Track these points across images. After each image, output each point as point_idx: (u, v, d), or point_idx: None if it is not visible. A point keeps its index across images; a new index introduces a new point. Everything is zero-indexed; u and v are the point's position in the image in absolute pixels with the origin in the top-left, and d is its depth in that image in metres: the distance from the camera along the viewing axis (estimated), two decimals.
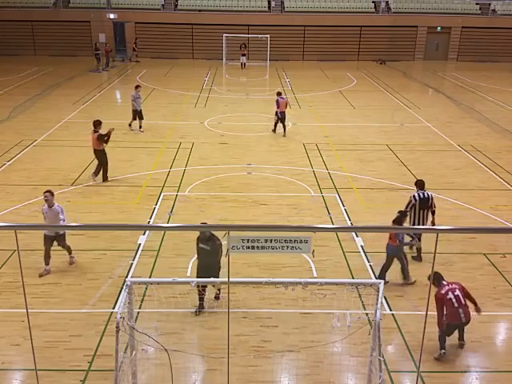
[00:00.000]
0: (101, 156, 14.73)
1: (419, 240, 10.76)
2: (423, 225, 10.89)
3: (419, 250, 10.97)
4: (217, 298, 9.35)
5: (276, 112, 19.45)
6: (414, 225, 10.92)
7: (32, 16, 38.74)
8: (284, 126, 19.60)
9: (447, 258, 10.94)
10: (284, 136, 19.57)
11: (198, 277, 8.96)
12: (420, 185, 11.11)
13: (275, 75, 33.82)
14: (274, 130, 19.93)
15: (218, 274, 8.65)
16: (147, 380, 7.54)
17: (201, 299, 8.97)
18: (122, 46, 39.38)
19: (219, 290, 9.38)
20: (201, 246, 9.12)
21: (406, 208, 10.85)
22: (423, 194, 10.90)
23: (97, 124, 14.70)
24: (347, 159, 17.13)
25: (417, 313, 9.15)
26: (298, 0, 40.38)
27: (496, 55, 40.51)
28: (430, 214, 10.98)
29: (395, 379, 7.76)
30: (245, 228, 7.24)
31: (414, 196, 10.91)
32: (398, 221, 9.87)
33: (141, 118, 19.66)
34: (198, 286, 8.45)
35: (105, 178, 14.81)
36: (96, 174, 14.81)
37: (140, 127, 19.81)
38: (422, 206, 10.85)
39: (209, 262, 8.87)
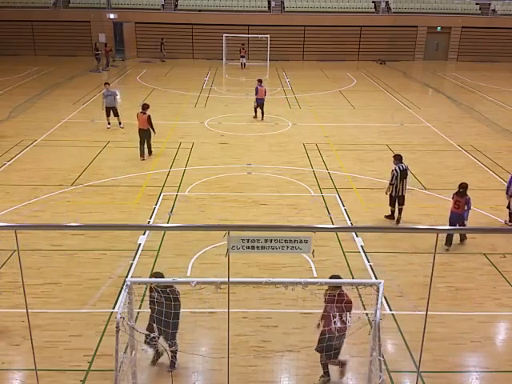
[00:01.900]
0: (148, 134, 16.94)
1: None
2: (403, 192, 12.43)
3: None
4: (172, 365, 7.68)
5: (256, 99, 21.52)
6: (397, 193, 12.37)
7: (32, 16, 38.75)
8: (262, 112, 21.79)
9: (447, 258, 10.95)
10: (262, 120, 21.67)
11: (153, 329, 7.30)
12: (399, 158, 12.52)
13: (275, 75, 33.82)
14: (255, 116, 21.97)
15: (174, 336, 7.41)
16: (147, 380, 7.54)
17: (155, 350, 7.71)
18: (121, 46, 39.40)
19: (175, 353, 7.70)
20: (154, 295, 7.26)
21: (391, 180, 12.32)
22: (402, 167, 12.37)
23: (145, 107, 16.94)
24: (347, 159, 17.13)
25: (417, 313, 9.15)
26: (298, 0, 40.39)
27: (496, 55, 40.52)
28: (406, 183, 12.53)
29: (395, 379, 7.76)
30: (245, 228, 7.23)
31: (395, 169, 12.34)
32: (465, 192, 11.20)
33: (116, 114, 20.05)
34: (147, 336, 7.14)
35: (149, 152, 17.16)
36: (150, 152, 17.12)
37: (119, 123, 20.25)
38: (402, 176, 12.35)
39: (166, 315, 7.03)
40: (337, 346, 7.16)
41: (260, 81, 21.70)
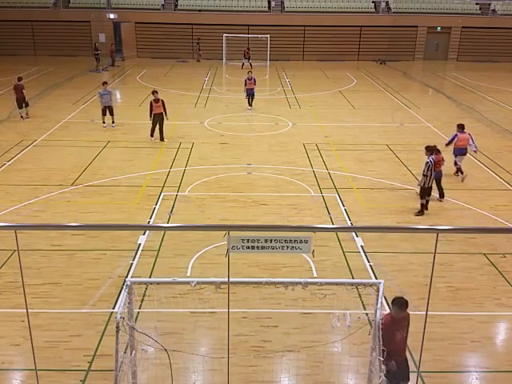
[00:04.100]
0: (156, 119, 18.57)
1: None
2: (431, 183, 13.03)
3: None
4: None
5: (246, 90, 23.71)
6: (429, 183, 12.90)
7: (32, 16, 38.75)
8: (251, 101, 23.83)
9: (447, 258, 10.95)
10: (250, 109, 23.59)
11: None
12: (432, 149, 13.10)
13: (275, 75, 33.82)
14: (251, 105, 23.81)
15: None
16: (147, 380, 7.53)
17: None
18: (120, 46, 39.45)
19: None
20: None
21: (426, 172, 12.75)
22: (434, 158, 12.93)
23: (152, 92, 18.86)
24: (347, 159, 17.12)
25: (417, 313, 9.12)
26: (298, 0, 40.38)
27: (496, 55, 40.53)
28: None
29: None
30: (245, 228, 7.23)
31: (430, 161, 12.79)
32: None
33: (111, 113, 20.29)
34: None
35: (152, 134, 18.81)
36: (161, 135, 18.74)
37: (113, 122, 20.47)
38: (434, 168, 12.94)
39: None
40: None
41: (250, 72, 24.50)
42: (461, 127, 15.40)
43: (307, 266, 10.57)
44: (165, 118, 18.74)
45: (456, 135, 15.26)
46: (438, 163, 13.33)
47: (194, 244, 11.20)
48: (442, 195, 13.83)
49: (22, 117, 21.38)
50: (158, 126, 18.65)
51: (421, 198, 13.13)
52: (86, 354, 8.11)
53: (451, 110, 24.44)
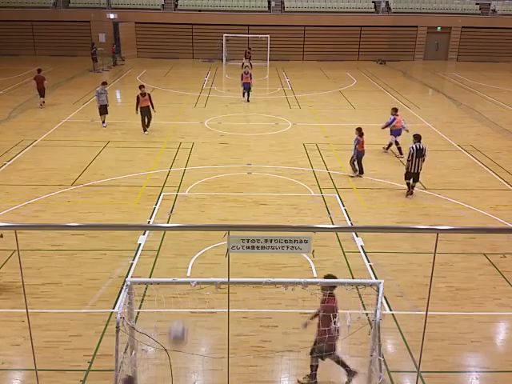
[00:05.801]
0: (143, 112, 19.32)
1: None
2: (419, 168, 13.84)
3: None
4: None
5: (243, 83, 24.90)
6: (413, 169, 13.77)
7: (32, 16, 38.76)
8: (247, 95, 25.07)
9: (447, 258, 10.95)
10: (248, 101, 24.96)
11: None
12: (418, 137, 13.92)
13: (275, 75, 33.82)
14: (248, 100, 25.07)
15: None
16: (147, 380, 7.54)
17: None
18: (118, 46, 39.45)
19: None
20: None
21: (408, 157, 13.75)
22: (419, 146, 13.71)
23: (139, 87, 19.44)
24: (347, 159, 17.08)
25: (417, 313, 9.15)
26: (298, 0, 40.38)
27: (496, 55, 40.53)
28: (422, 161, 13.84)
29: (395, 379, 7.76)
30: (245, 228, 7.22)
31: (412, 147, 13.75)
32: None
33: (105, 112, 20.43)
34: None
35: (144, 129, 19.63)
36: (146, 126, 19.59)
37: (103, 122, 20.60)
38: (418, 154, 13.68)
39: None
40: (326, 348, 7.09)
41: (246, 66, 26.34)
42: (396, 110, 17.66)
43: (307, 266, 10.57)
44: (152, 111, 19.41)
45: (394, 119, 17.36)
46: (361, 144, 15.10)
47: (194, 244, 11.20)
48: (362, 172, 15.46)
49: (40, 105, 23.36)
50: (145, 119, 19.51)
51: (405, 179, 14.06)
52: (86, 353, 8.11)
53: (451, 110, 24.44)
